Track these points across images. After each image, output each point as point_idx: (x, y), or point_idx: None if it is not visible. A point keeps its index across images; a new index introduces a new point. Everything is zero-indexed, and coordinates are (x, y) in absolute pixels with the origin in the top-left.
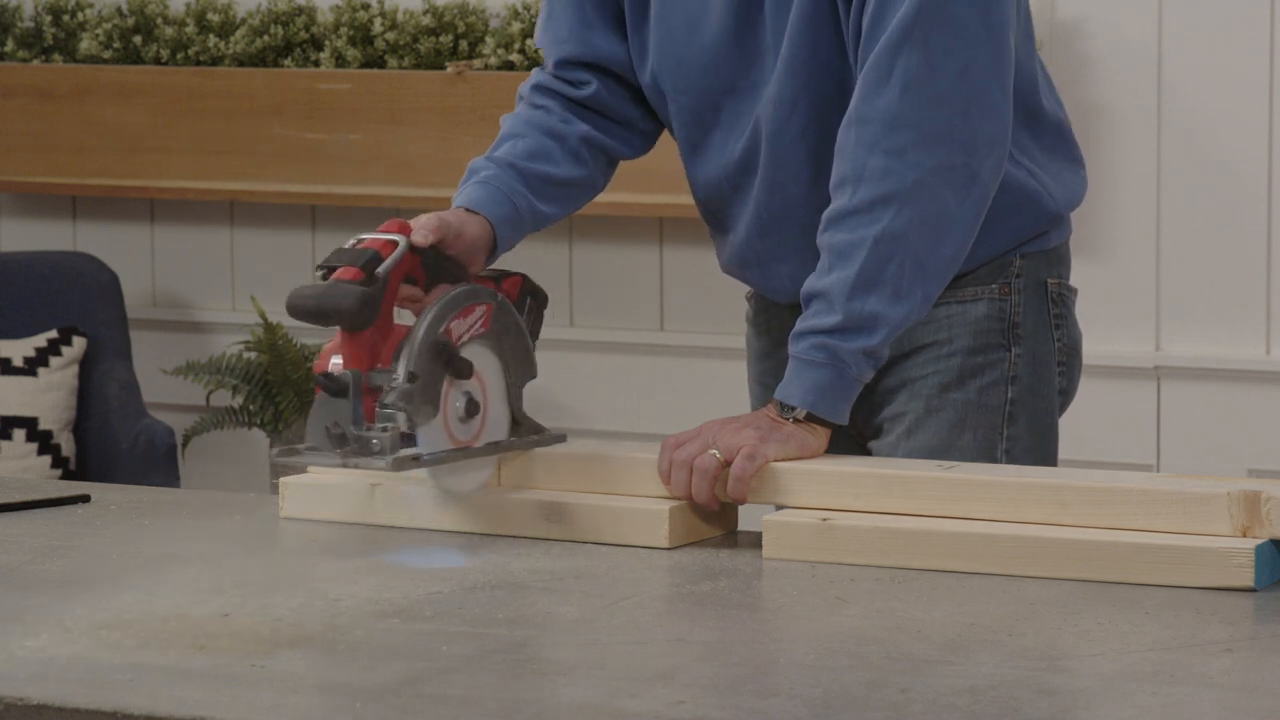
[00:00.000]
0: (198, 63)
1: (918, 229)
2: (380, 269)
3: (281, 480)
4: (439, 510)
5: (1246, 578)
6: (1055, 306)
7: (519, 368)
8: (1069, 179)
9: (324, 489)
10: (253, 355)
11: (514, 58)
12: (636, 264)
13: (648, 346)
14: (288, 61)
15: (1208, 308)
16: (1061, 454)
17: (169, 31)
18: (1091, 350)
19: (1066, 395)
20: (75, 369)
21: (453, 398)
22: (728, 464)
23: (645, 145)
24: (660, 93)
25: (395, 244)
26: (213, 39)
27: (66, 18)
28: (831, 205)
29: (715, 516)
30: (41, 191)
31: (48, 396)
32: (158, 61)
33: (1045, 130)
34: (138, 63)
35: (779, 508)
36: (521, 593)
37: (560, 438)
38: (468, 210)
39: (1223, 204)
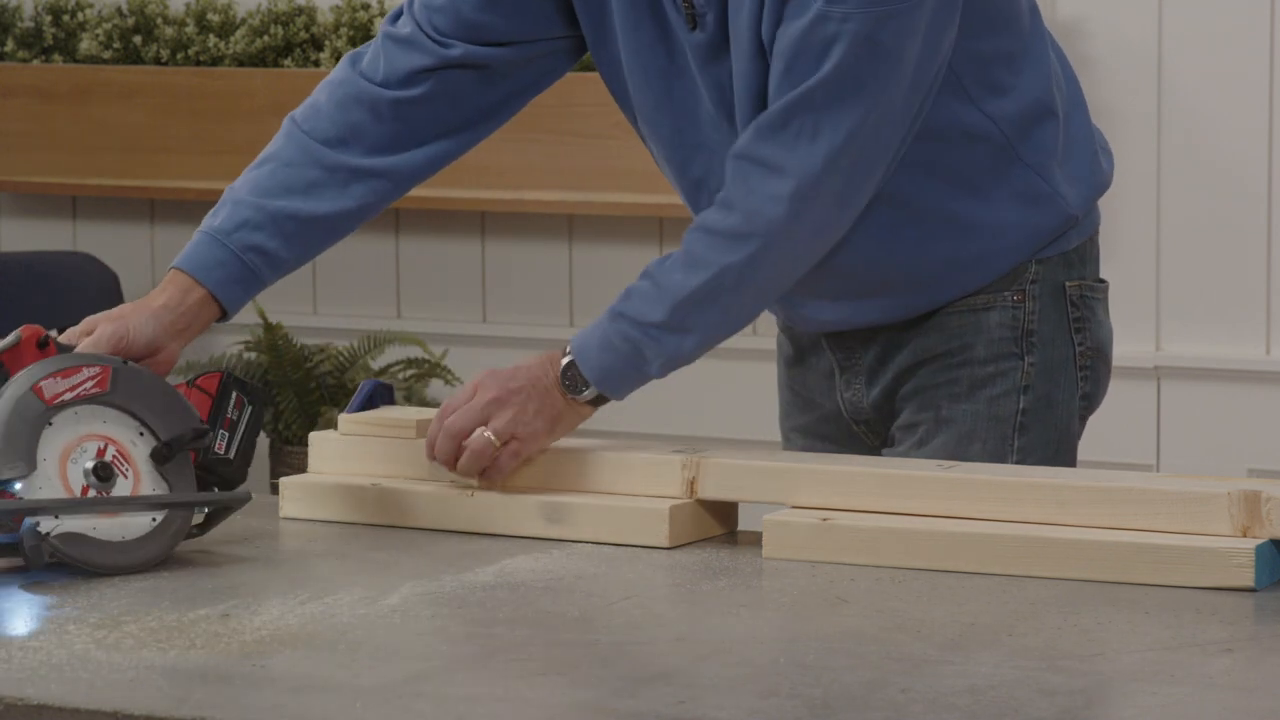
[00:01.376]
0: (198, 63)
1: (767, 272)
2: None
3: (281, 480)
4: (439, 510)
5: (1247, 578)
6: (1075, 309)
7: (170, 429)
8: (1085, 176)
9: (324, 489)
10: (253, 355)
11: None
12: (636, 264)
13: None
14: (288, 62)
15: (1208, 308)
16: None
17: (169, 31)
18: None
19: (1091, 399)
20: None
21: (72, 459)
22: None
23: (448, 157)
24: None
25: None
26: (213, 39)
27: (66, 18)
28: (705, 211)
29: (716, 516)
30: (42, 191)
31: None
32: (158, 61)
33: (1060, 128)
34: (138, 63)
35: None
36: (521, 593)
37: (243, 499)
38: (185, 274)
39: (1223, 204)
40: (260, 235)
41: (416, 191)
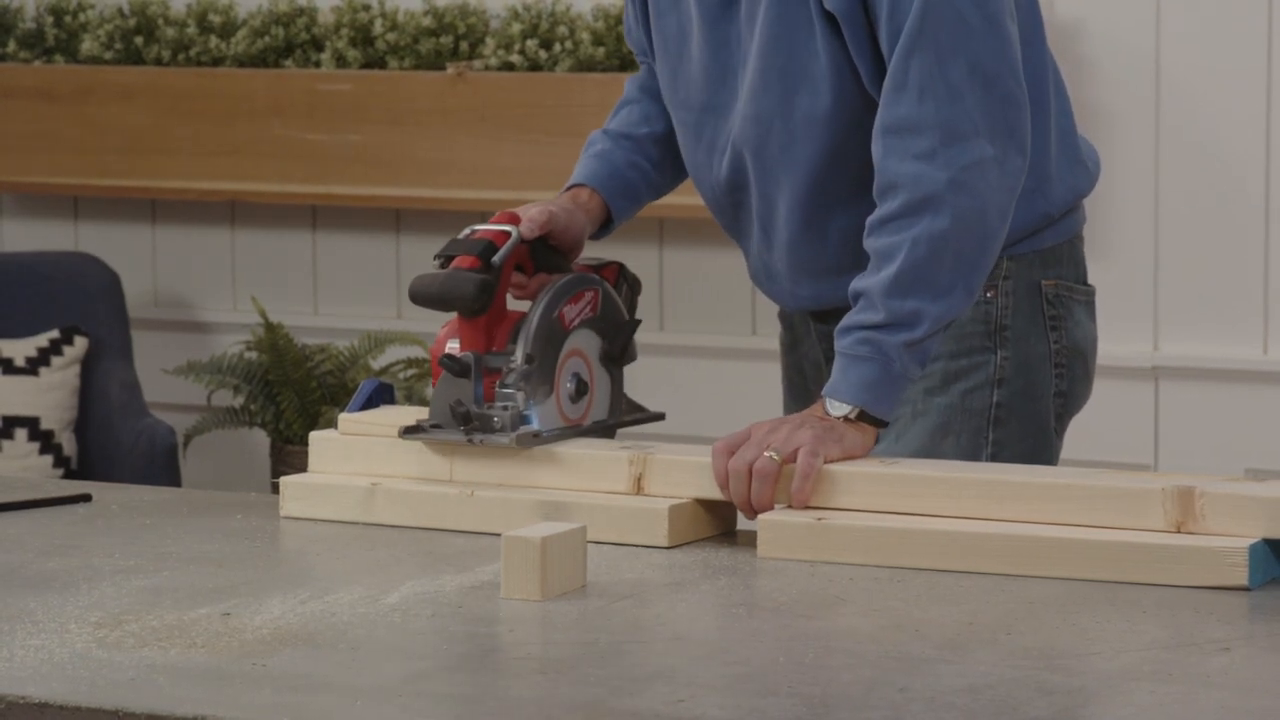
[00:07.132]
0: (199, 64)
1: (957, 226)
2: (495, 258)
3: (282, 480)
4: (439, 510)
5: (1240, 577)
6: (1052, 308)
7: (621, 350)
8: (1065, 177)
9: (324, 489)
10: (253, 355)
11: (514, 59)
12: (636, 264)
13: (649, 346)
14: (289, 62)
15: (1205, 308)
16: (1060, 454)
17: (170, 32)
18: None
19: (1068, 398)
20: (77, 369)
21: (564, 379)
22: (787, 464)
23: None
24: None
25: (508, 234)
26: (214, 40)
27: (68, 19)
28: (874, 212)
29: (714, 515)
30: (43, 192)
31: (49, 396)
32: (159, 62)
33: (1049, 127)
34: (139, 64)
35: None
36: None
37: (659, 416)
38: (582, 185)
39: (1220, 204)
40: (636, 156)
41: (417, 192)
